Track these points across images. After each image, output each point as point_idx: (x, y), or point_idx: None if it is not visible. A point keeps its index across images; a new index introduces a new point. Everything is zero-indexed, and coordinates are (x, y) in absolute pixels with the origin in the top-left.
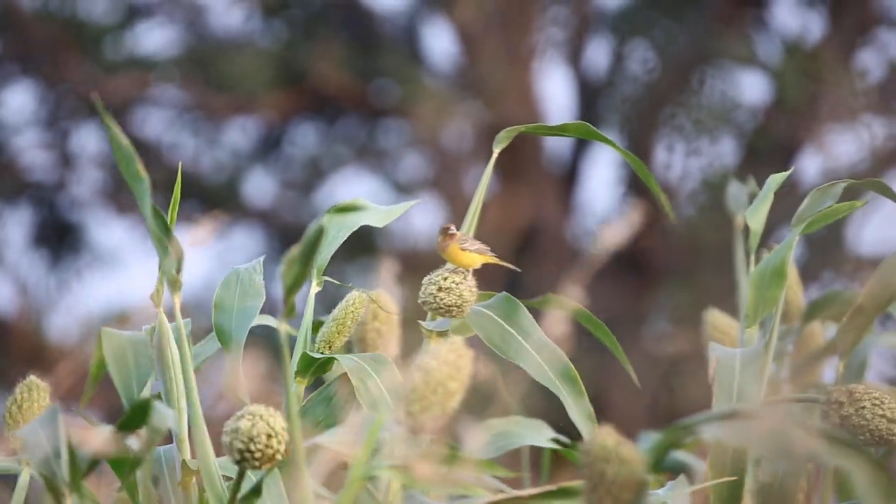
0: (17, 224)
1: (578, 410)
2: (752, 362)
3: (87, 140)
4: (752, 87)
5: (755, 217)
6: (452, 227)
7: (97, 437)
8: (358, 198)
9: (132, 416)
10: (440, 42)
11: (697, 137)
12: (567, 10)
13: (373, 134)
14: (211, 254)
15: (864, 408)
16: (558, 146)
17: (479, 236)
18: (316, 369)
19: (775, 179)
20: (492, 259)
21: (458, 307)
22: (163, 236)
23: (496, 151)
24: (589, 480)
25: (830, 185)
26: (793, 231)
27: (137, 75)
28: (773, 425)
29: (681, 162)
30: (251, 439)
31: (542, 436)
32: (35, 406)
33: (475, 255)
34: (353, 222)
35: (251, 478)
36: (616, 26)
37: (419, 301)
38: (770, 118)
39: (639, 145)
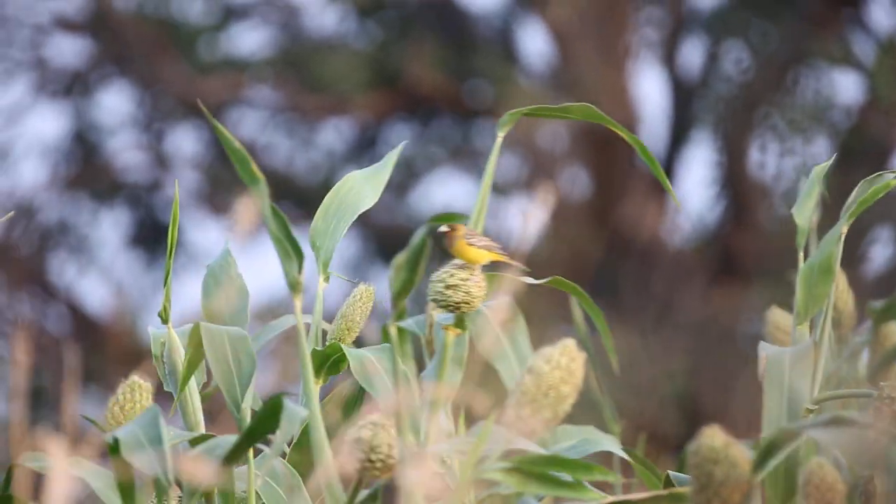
0: (113, 225)
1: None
2: (802, 359)
3: (183, 141)
4: (846, 87)
5: (802, 213)
6: (457, 224)
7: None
8: (454, 210)
9: (263, 420)
10: (534, 42)
11: (792, 137)
12: (661, 10)
13: (467, 134)
14: (309, 255)
15: None
16: (652, 145)
17: (573, 238)
18: (329, 368)
19: (818, 172)
20: (500, 256)
21: (466, 304)
22: (283, 238)
23: (500, 135)
24: (697, 481)
25: (877, 176)
26: (839, 224)
27: (232, 76)
28: (875, 434)
29: (775, 162)
30: (373, 449)
31: (610, 443)
32: (137, 407)
33: (483, 251)
34: (352, 209)
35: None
36: (710, 26)
37: (429, 298)
38: (864, 117)
39: (733, 145)
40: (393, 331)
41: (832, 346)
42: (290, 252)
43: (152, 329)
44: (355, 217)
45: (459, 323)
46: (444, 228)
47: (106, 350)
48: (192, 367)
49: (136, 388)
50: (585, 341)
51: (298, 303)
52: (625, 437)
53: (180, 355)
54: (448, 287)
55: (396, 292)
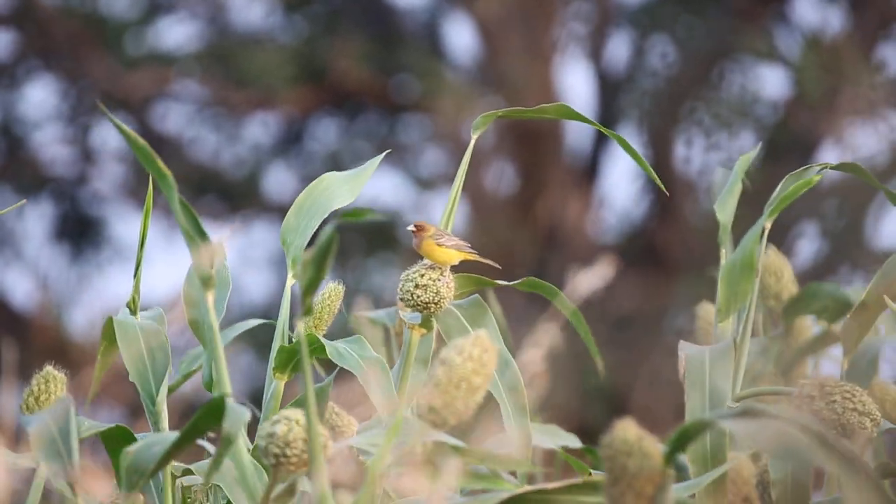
0: (38, 218)
1: (518, 427)
2: (722, 358)
3: (109, 135)
4: (772, 82)
5: (724, 209)
6: (425, 224)
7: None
8: (363, 207)
9: (204, 418)
10: (461, 37)
11: (717, 132)
12: (588, 4)
13: (394, 129)
14: (232, 249)
15: (834, 401)
16: (578, 141)
17: (501, 232)
18: (295, 364)
19: (741, 164)
20: (470, 255)
21: (435, 304)
22: (193, 232)
23: (474, 137)
24: (610, 474)
25: (804, 170)
26: (761, 220)
27: (158, 70)
28: (783, 425)
29: (700, 156)
30: (287, 444)
31: (556, 439)
32: (52, 398)
33: (452, 251)
34: (325, 206)
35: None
36: (637, 21)
37: (398, 297)
38: (790, 112)
39: (659, 140)
40: (301, 327)
41: (763, 339)
42: (199, 244)
43: (117, 319)
44: (326, 215)
45: (426, 323)
46: (411, 228)
47: (31, 344)
48: (105, 360)
49: (51, 379)
50: (505, 336)
51: (211, 297)
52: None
53: (142, 348)
54: (418, 287)
55: (304, 288)
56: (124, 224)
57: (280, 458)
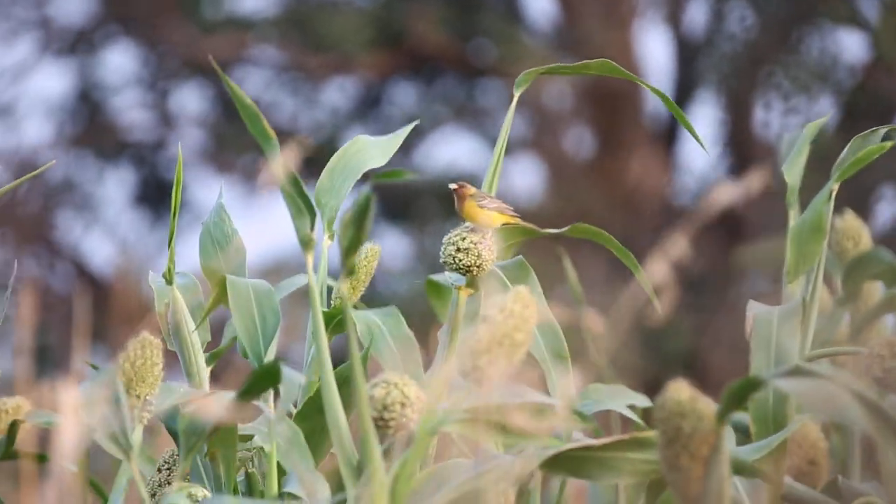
0: (118, 183)
1: (562, 392)
2: (790, 318)
3: (187, 100)
4: (851, 46)
5: (791, 170)
6: (467, 185)
7: (216, 403)
8: (396, 168)
9: (258, 381)
10: (539, 1)
11: (796, 96)
12: None
13: (471, 93)
14: None
15: None
16: (657, 104)
17: (580, 196)
18: (334, 327)
19: (811, 128)
20: (512, 218)
21: (477, 267)
22: (295, 195)
23: (517, 94)
24: (664, 435)
25: (871, 132)
26: (830, 182)
27: (236, 35)
28: (832, 386)
29: (779, 120)
30: (385, 407)
31: (625, 399)
32: (148, 363)
33: (494, 213)
34: (357, 168)
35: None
36: None
37: (441, 261)
38: (869, 76)
39: (737, 104)
40: (344, 288)
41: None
42: (303, 209)
43: (156, 286)
44: (360, 176)
45: (471, 284)
46: (452, 186)
47: (111, 308)
48: (211, 309)
49: (147, 345)
50: (579, 297)
51: (310, 260)
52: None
53: (184, 315)
54: (459, 250)
55: (345, 249)
56: (203, 188)
57: (378, 422)
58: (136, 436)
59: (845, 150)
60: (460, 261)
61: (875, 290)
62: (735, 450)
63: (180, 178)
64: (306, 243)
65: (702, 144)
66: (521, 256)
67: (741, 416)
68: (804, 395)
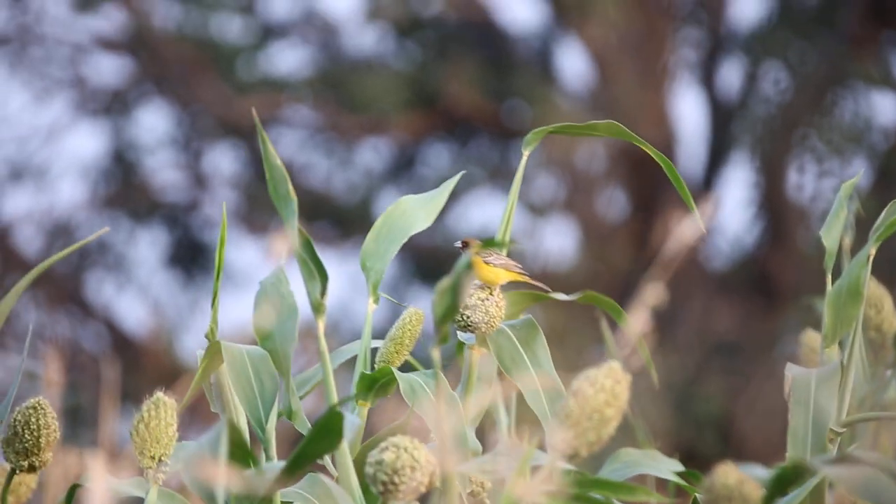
0: (151, 244)
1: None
2: (829, 380)
3: (220, 160)
4: (885, 108)
5: (829, 235)
6: (472, 240)
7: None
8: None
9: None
10: (573, 62)
11: (830, 158)
12: (700, 30)
13: (505, 154)
14: (345, 275)
15: None
16: (691, 166)
17: (613, 258)
18: (378, 390)
19: (846, 190)
20: (519, 275)
21: (486, 324)
22: (308, 259)
23: (526, 153)
24: None
25: None
26: (867, 246)
27: (270, 96)
28: (877, 471)
29: (813, 183)
30: (395, 472)
31: (658, 465)
32: (162, 423)
33: (500, 270)
34: (403, 231)
35: None
36: (749, 47)
37: None
38: None
39: (771, 166)
40: (436, 355)
41: (867, 369)
42: (315, 273)
43: (199, 350)
44: (406, 238)
45: (482, 342)
46: (458, 244)
47: (143, 369)
48: (202, 378)
49: (161, 405)
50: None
51: (321, 324)
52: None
53: (227, 376)
54: (467, 307)
55: (440, 317)
56: (236, 249)
57: (388, 486)
58: (152, 497)
59: (883, 213)
60: (468, 318)
61: None
62: None
63: (224, 238)
64: (317, 308)
65: (691, 207)
66: (530, 316)
67: None
68: (851, 483)
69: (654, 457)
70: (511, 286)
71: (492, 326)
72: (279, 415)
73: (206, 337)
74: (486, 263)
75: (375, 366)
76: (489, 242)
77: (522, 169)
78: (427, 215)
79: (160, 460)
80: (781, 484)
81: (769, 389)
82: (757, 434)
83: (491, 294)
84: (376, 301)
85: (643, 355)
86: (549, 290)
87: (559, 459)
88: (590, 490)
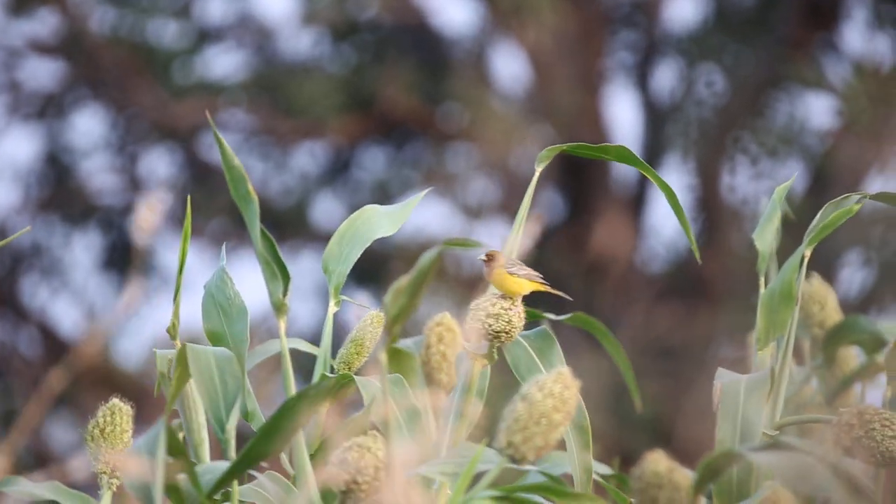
0: (86, 247)
1: (580, 461)
2: (758, 388)
3: (156, 164)
4: (819, 111)
5: (762, 237)
6: (496, 252)
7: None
8: (465, 236)
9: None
10: (509, 66)
11: (764, 161)
12: (636, 33)
13: (441, 158)
14: None
15: (874, 429)
16: (626, 168)
17: (548, 261)
18: (336, 393)
19: (780, 192)
20: (541, 286)
21: (507, 333)
22: (270, 259)
23: (538, 170)
24: None
25: (843, 199)
26: (801, 248)
27: (206, 99)
28: (806, 458)
29: (747, 185)
30: (359, 471)
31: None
32: (118, 430)
33: (524, 280)
34: (366, 236)
35: None
36: (684, 50)
37: (465, 327)
38: (838, 141)
39: (705, 169)
40: (383, 357)
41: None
42: (277, 274)
43: (158, 350)
44: (369, 243)
45: (489, 355)
46: (482, 257)
47: (78, 373)
48: (179, 386)
49: (117, 411)
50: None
51: (283, 325)
52: (600, 461)
53: (213, 374)
54: (489, 316)
55: (393, 317)
56: (171, 253)
57: (350, 485)
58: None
59: (817, 216)
60: (490, 326)
61: (850, 357)
62: None
63: (187, 235)
64: (279, 308)
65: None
66: (545, 326)
67: None
68: (780, 469)
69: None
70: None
71: (511, 336)
72: None
73: (168, 332)
74: (511, 274)
75: (335, 368)
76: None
77: (534, 184)
78: (391, 223)
79: (113, 467)
80: (710, 471)
81: (704, 392)
82: (694, 436)
83: (514, 304)
84: (338, 304)
85: (627, 380)
86: (569, 297)
87: (505, 463)
88: (534, 493)
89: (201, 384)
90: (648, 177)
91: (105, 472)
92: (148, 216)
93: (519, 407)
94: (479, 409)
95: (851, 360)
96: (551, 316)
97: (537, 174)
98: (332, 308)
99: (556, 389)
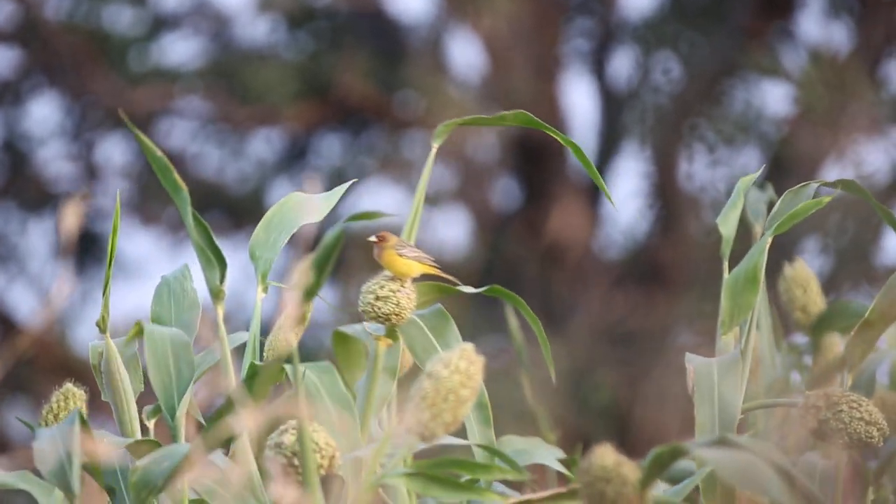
0: (43, 234)
1: (481, 437)
2: (731, 370)
3: (113, 151)
4: (776, 98)
5: (726, 222)
6: (387, 235)
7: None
8: (372, 209)
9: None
10: (465, 53)
11: (721, 148)
12: (592, 21)
13: (397, 145)
14: (237, 265)
15: (841, 411)
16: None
17: (505, 248)
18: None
19: (745, 182)
20: (431, 268)
21: (396, 315)
22: (205, 246)
23: (434, 146)
24: (588, 499)
25: (802, 187)
26: (765, 235)
27: (162, 87)
28: (752, 457)
29: (704, 172)
30: (294, 454)
31: (540, 453)
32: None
33: (413, 262)
34: (293, 222)
35: None
36: (640, 37)
37: (359, 310)
38: (794, 129)
39: (662, 156)
40: (293, 338)
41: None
42: (213, 260)
43: (91, 342)
44: (296, 229)
45: (391, 333)
46: (372, 238)
47: (35, 360)
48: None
49: (70, 396)
50: (521, 350)
51: (220, 311)
52: (562, 447)
53: (118, 365)
54: (378, 298)
55: (303, 294)
56: (128, 240)
57: (287, 468)
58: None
59: (777, 203)
60: (379, 309)
61: (835, 343)
62: None
63: (117, 226)
64: (216, 294)
65: (610, 200)
66: (440, 305)
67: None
68: (724, 466)
69: (537, 444)
70: (421, 278)
71: (402, 318)
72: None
73: (97, 325)
74: (400, 255)
75: (264, 355)
76: (365, 215)
77: (432, 162)
78: (318, 210)
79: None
80: (658, 465)
81: (663, 378)
82: (652, 422)
83: (402, 286)
84: (265, 290)
85: (543, 349)
86: (459, 282)
87: (414, 440)
88: (448, 470)
89: (155, 368)
90: (552, 135)
91: None
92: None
93: (426, 385)
94: (391, 389)
95: (835, 347)
96: (469, 289)
97: (433, 150)
98: (260, 294)
99: (461, 365)
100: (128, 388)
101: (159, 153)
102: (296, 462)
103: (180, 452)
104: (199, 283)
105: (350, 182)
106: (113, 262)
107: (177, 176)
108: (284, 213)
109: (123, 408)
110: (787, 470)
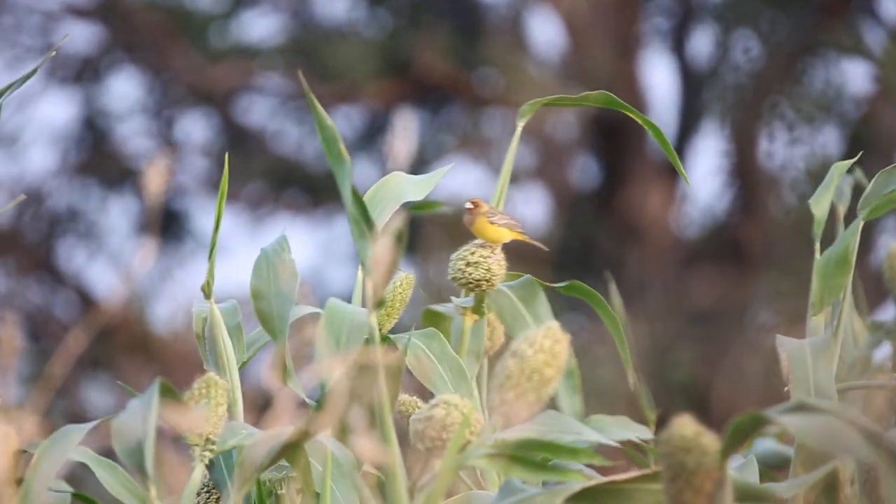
0: (122, 211)
1: (569, 406)
2: (823, 352)
3: (192, 128)
4: (856, 77)
5: (818, 204)
6: (480, 201)
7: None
8: (432, 199)
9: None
10: (545, 31)
11: (800, 127)
12: None
13: (477, 123)
14: (316, 242)
15: None
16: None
17: (583, 226)
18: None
19: (839, 168)
20: (520, 235)
21: (487, 281)
22: (361, 220)
23: (520, 125)
24: (669, 471)
25: (893, 168)
26: (859, 218)
27: (242, 64)
28: (834, 420)
29: (783, 151)
30: (444, 428)
31: (628, 431)
32: (212, 403)
33: (503, 229)
34: (394, 200)
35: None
36: (720, 15)
37: (449, 277)
38: (874, 107)
39: (742, 134)
40: (373, 319)
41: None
42: (366, 232)
43: (194, 307)
44: (397, 207)
45: (478, 307)
46: (468, 205)
47: (115, 338)
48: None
49: (212, 384)
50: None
51: (370, 284)
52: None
53: (222, 332)
54: (469, 264)
55: (376, 285)
56: (207, 217)
57: (436, 442)
58: (196, 476)
59: (870, 185)
60: (470, 275)
61: None
62: (773, 486)
63: (223, 194)
64: (368, 266)
65: (686, 180)
66: (530, 276)
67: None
68: (807, 430)
69: (624, 423)
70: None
71: (492, 284)
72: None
73: (202, 290)
74: (491, 223)
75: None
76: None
77: (517, 141)
78: (419, 189)
79: (208, 439)
80: (738, 435)
81: (741, 356)
82: (730, 401)
83: (493, 252)
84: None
85: (621, 351)
86: (547, 248)
87: (499, 420)
88: (531, 451)
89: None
90: (633, 116)
91: (198, 444)
92: (156, 178)
93: (510, 364)
94: (475, 371)
95: None
96: (545, 283)
97: (519, 129)
98: (361, 272)
99: (546, 344)
100: (231, 357)
101: (330, 122)
102: (444, 437)
103: (284, 434)
104: (296, 255)
105: (447, 167)
106: (219, 226)
107: (342, 146)
108: (385, 192)
109: (227, 377)
110: (873, 430)
